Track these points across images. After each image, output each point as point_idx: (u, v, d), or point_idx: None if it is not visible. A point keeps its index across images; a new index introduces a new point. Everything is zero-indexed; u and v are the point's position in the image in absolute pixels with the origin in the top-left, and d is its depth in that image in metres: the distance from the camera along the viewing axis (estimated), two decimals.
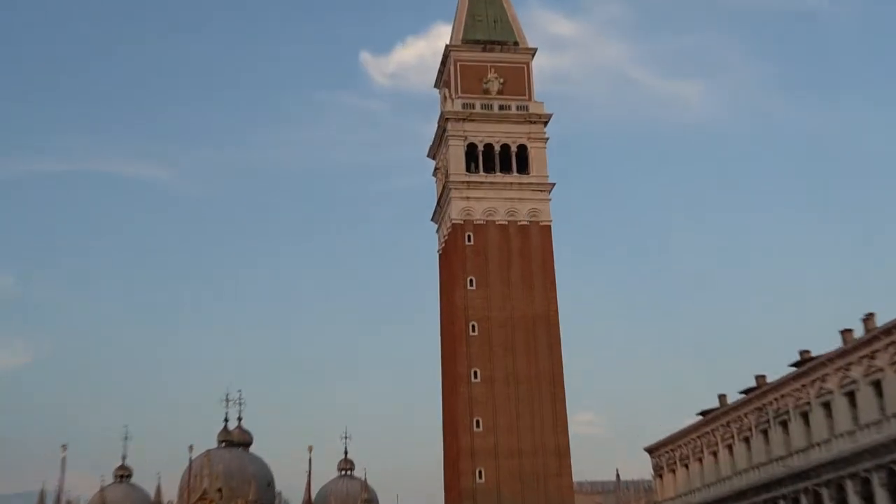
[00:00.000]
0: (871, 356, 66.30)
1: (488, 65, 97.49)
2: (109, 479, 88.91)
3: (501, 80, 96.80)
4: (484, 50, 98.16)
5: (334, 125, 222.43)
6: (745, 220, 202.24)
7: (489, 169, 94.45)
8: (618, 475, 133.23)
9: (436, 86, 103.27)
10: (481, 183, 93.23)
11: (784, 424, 76.48)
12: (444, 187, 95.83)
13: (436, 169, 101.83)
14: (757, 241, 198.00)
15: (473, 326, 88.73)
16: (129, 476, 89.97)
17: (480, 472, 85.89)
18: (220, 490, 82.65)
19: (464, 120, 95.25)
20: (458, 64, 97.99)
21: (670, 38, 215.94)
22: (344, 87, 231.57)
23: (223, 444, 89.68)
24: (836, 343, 70.52)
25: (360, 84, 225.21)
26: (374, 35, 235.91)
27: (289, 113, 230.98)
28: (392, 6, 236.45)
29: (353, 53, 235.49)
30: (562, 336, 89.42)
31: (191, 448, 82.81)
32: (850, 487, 68.07)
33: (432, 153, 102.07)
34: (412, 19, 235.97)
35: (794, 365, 75.85)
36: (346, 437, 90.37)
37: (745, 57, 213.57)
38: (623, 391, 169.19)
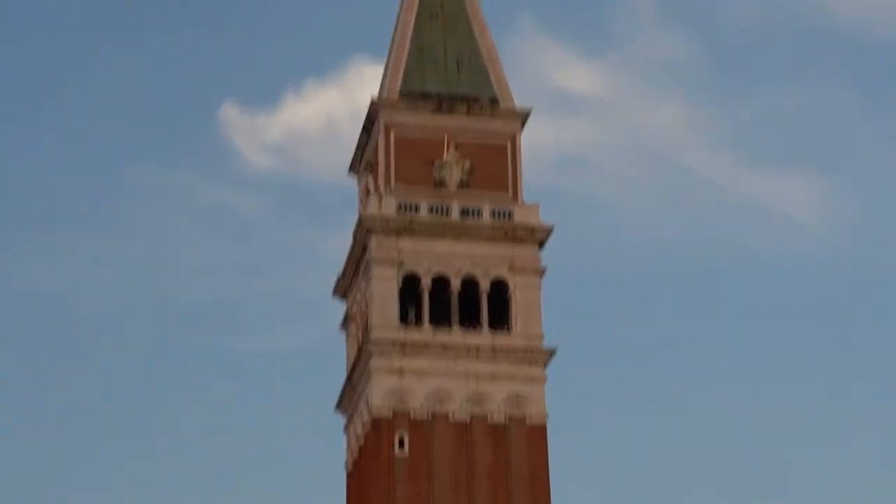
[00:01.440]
0: None
1: (445, 136, 75.28)
2: None
3: (467, 165, 74.61)
4: (438, 110, 75.54)
5: (167, 233, 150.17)
6: None
7: (440, 320, 72.18)
8: None
9: (352, 170, 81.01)
10: (426, 345, 71.15)
11: None
12: (360, 351, 72.95)
13: (347, 318, 78.49)
14: None
15: None
16: None
17: None
18: None
19: (399, 233, 72.49)
20: (393, 133, 75.47)
21: (756, 97, 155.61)
22: (189, 164, 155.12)
23: None
24: None
25: (218, 161, 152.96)
26: (244, 75, 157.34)
27: (89, 206, 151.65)
28: (279, 24, 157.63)
29: (208, 105, 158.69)
30: None
31: None
32: None
33: (342, 289, 78.88)
34: (313, 47, 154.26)
35: None
36: None
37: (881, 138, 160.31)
38: None
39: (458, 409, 68.59)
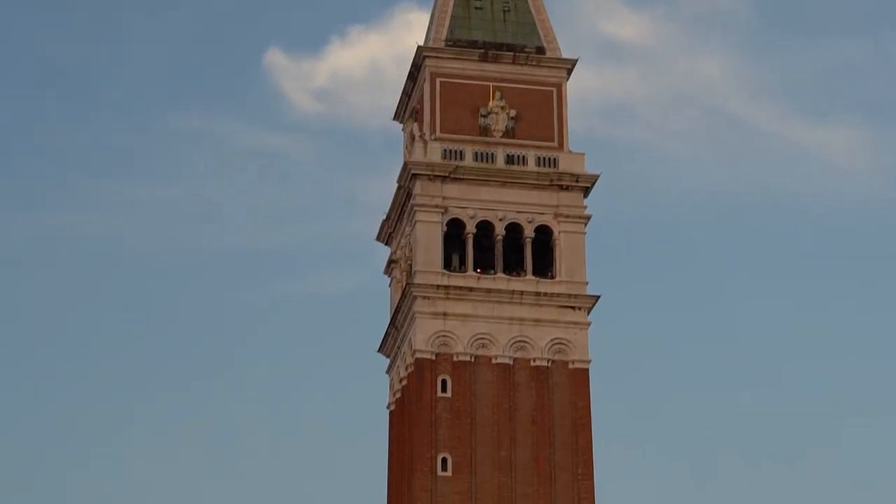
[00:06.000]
0: None
1: (490, 85, 74.82)
2: None
3: (512, 114, 73.99)
4: (484, 59, 74.97)
5: (210, 178, 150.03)
6: None
7: (485, 266, 72.31)
8: None
9: (397, 117, 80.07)
10: (470, 290, 71.08)
11: None
12: (403, 295, 72.80)
13: (391, 262, 78.08)
14: None
15: None
16: None
17: None
18: None
19: (444, 179, 72.04)
20: (438, 81, 75.15)
21: (805, 47, 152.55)
22: (233, 110, 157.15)
23: None
24: None
25: (262, 106, 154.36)
26: (291, 21, 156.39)
27: (131, 151, 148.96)
28: None
29: (252, 51, 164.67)
30: None
31: None
32: None
33: (386, 234, 78.59)
34: None
35: None
36: None
37: None
38: None
39: (501, 352, 68.13)
